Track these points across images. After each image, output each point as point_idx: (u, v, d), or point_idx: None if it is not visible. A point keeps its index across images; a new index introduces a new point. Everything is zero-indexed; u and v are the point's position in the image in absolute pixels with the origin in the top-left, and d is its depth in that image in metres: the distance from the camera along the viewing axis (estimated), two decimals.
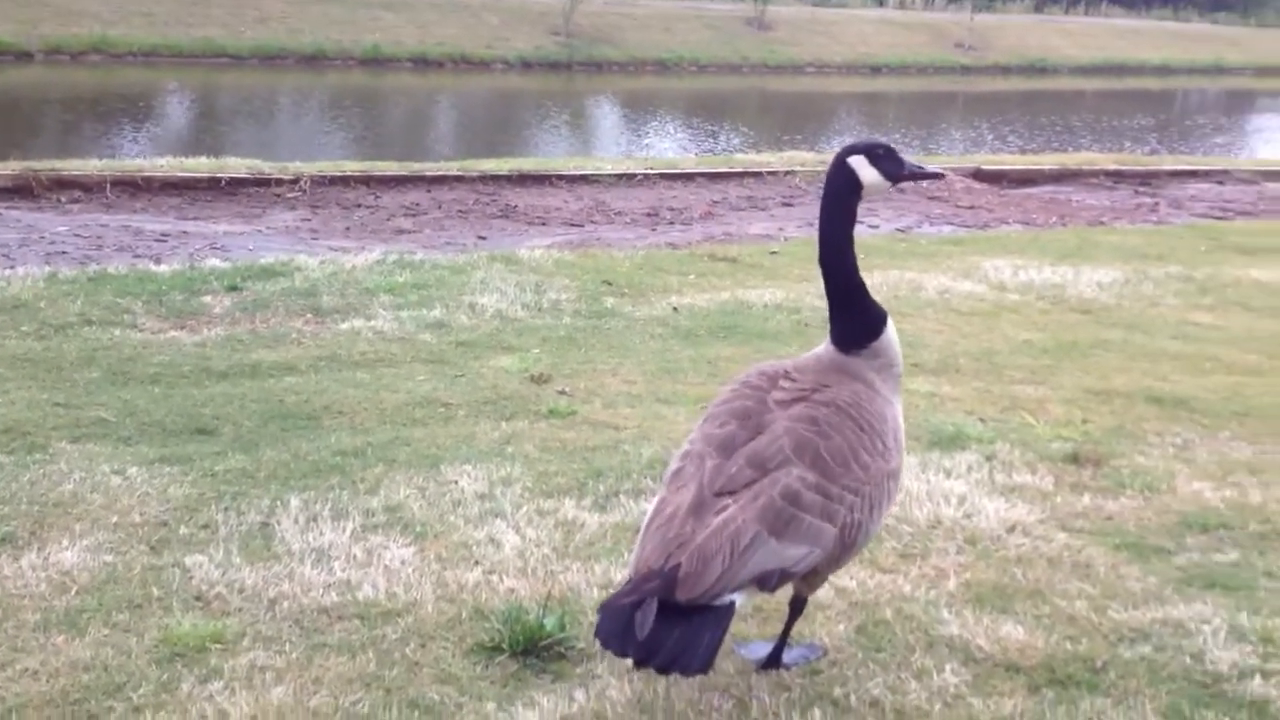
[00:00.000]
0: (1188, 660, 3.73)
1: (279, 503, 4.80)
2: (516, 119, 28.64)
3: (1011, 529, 4.70)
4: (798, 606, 3.67)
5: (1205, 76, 53.19)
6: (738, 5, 48.07)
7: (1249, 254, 11.14)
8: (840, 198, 3.59)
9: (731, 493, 3.26)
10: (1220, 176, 17.30)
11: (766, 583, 3.21)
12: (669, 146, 24.22)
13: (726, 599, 3.14)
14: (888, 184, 3.62)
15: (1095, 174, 16.51)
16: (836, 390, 3.50)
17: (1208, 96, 47.65)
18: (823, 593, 4.11)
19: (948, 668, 3.66)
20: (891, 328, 3.67)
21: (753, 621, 3.99)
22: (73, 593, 4.07)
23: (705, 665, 3.08)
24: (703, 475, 3.32)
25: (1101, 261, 10.29)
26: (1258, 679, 3.61)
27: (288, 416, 5.89)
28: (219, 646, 3.77)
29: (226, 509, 4.75)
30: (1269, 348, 7.82)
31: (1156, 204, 14.73)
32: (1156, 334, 8.08)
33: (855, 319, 3.62)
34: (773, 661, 3.68)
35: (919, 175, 3.68)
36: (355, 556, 4.39)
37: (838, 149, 3.75)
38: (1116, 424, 6.11)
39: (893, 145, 3.64)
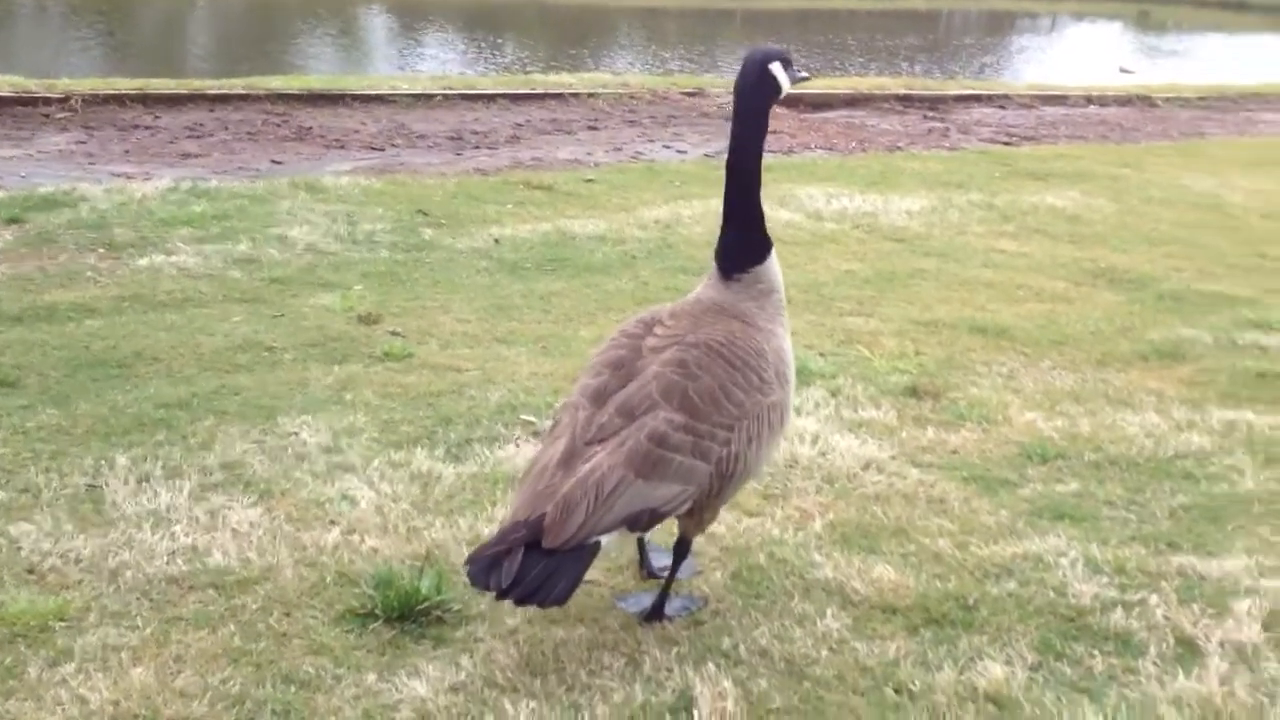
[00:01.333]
0: (1051, 594, 3.86)
1: (104, 462, 4.47)
2: (286, 29, 27.35)
3: (866, 466, 4.77)
4: (682, 549, 3.69)
5: None
6: None
7: (1040, 179, 11.59)
8: (762, 103, 3.64)
9: (601, 440, 3.33)
10: (1002, 101, 17.94)
11: (636, 523, 3.30)
12: (453, 59, 23.57)
13: (592, 541, 3.23)
14: (790, 86, 3.71)
15: (886, 98, 16.87)
16: (709, 330, 3.55)
17: (970, 17, 49.33)
18: (696, 539, 4.09)
19: (828, 612, 3.68)
20: (774, 257, 3.73)
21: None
22: None
23: (563, 597, 3.19)
24: (575, 426, 3.38)
25: (907, 189, 10.54)
26: (1119, 611, 3.77)
27: (96, 364, 5.48)
28: (63, 624, 3.50)
29: (47, 470, 4.40)
30: (1073, 275, 8.17)
31: (947, 129, 15.16)
32: (968, 262, 8.33)
33: (746, 237, 3.67)
34: (655, 613, 3.66)
35: (800, 80, 3.80)
36: (198, 519, 4.12)
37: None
38: (946, 355, 6.27)
39: (788, 53, 3.73)
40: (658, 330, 3.59)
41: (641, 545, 3.91)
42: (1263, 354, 6.69)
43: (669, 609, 3.68)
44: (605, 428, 3.35)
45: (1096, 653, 3.56)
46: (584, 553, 3.23)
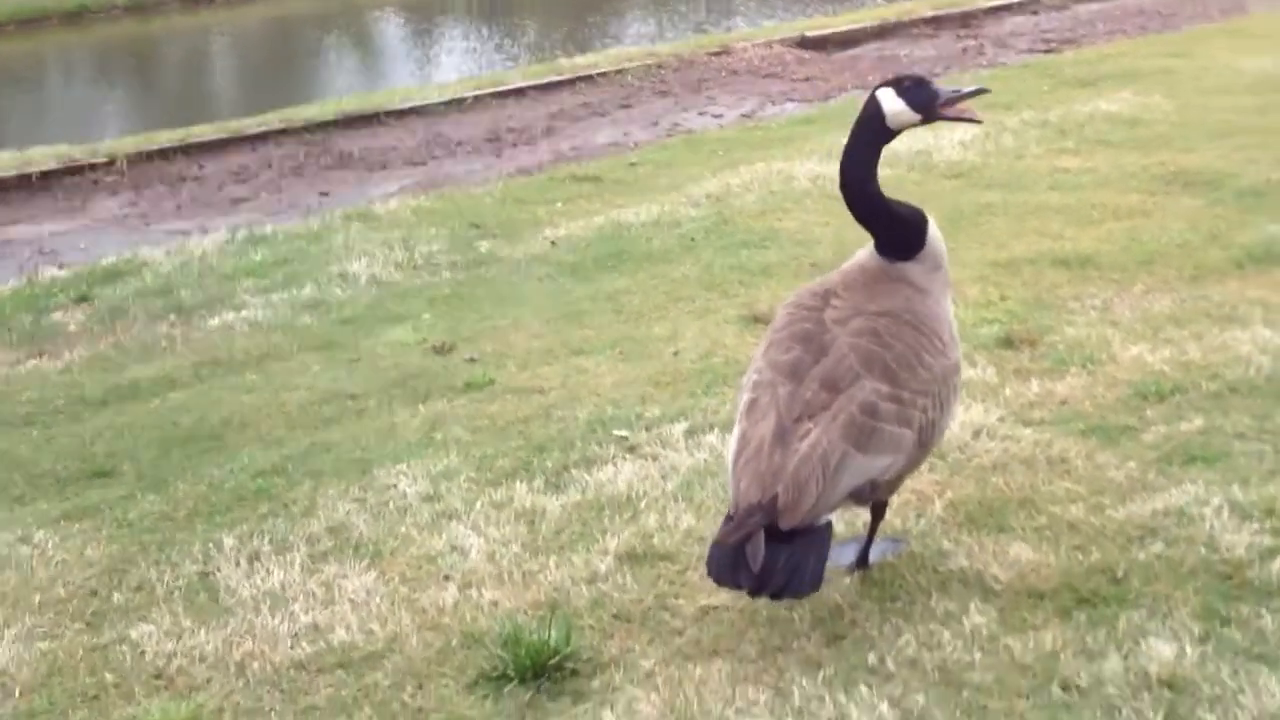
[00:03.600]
0: (1203, 551, 3.68)
1: (211, 545, 4.43)
2: (303, 49, 27.29)
3: (976, 434, 4.60)
4: (879, 511, 3.75)
5: None
6: None
7: (1090, 85, 11.24)
8: (866, 127, 3.60)
9: (810, 417, 3.37)
10: (1033, 6, 17.47)
11: (860, 496, 3.45)
12: (474, 52, 23.38)
13: (825, 518, 3.33)
14: (917, 116, 3.57)
15: (915, 23, 16.50)
16: (888, 299, 3.58)
17: None
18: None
19: (971, 607, 3.54)
20: (934, 229, 3.68)
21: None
22: (17, 695, 3.68)
23: (816, 585, 3.28)
24: (778, 403, 3.42)
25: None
26: (1278, 561, 3.58)
27: (188, 440, 5.46)
28: None
29: (157, 563, 4.36)
30: (1145, 184, 7.89)
31: (981, 45, 14.81)
32: (1034, 188, 8.07)
33: (895, 237, 3.64)
34: (861, 564, 3.78)
35: (956, 99, 3.61)
36: (314, 594, 4.06)
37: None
38: (1033, 295, 6.06)
39: (925, 76, 3.64)
40: (835, 302, 3.61)
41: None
42: None
43: (873, 555, 3.78)
44: (812, 403, 3.39)
45: (1264, 611, 3.37)
46: (823, 533, 3.32)
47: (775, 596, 3.29)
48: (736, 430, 3.50)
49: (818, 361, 3.47)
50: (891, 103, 3.55)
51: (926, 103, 3.56)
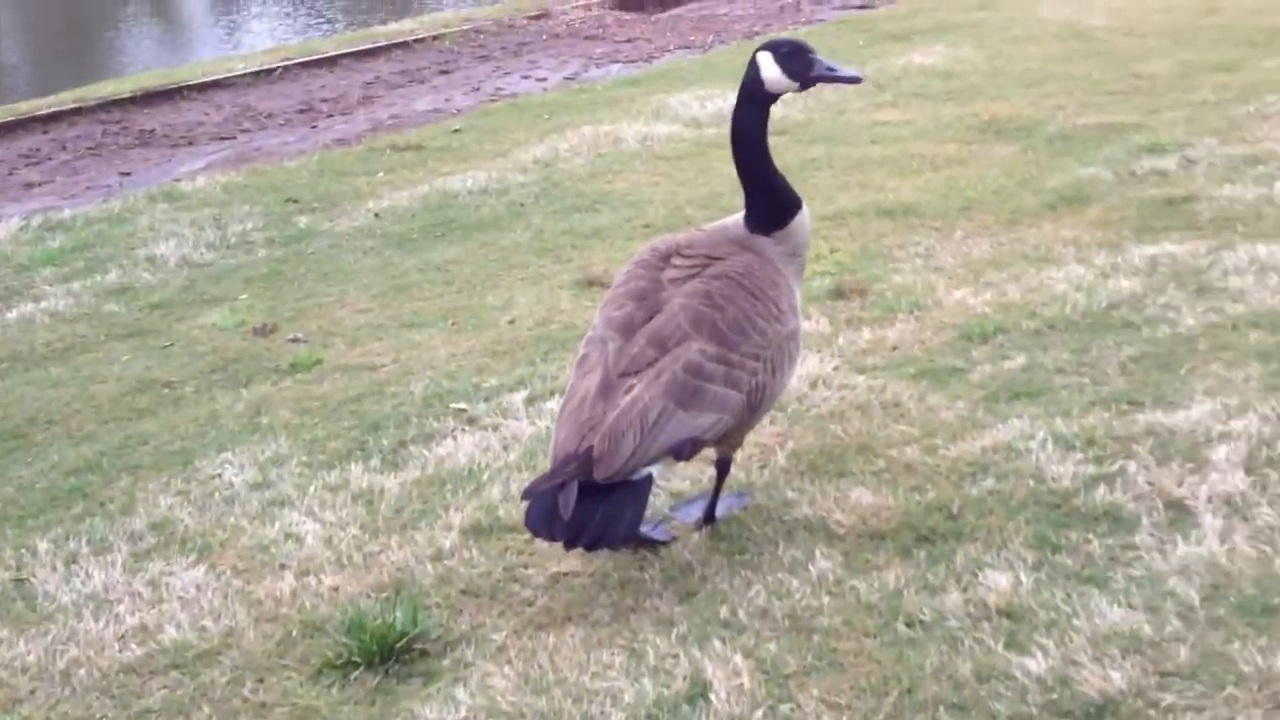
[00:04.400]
0: (1031, 483, 3.78)
1: (24, 550, 4.16)
2: (101, 22, 26.04)
3: (814, 384, 4.64)
4: (723, 467, 3.78)
5: None
6: None
7: (904, 39, 11.48)
8: (748, 90, 3.61)
9: (636, 372, 3.41)
10: None
11: (680, 452, 3.41)
12: (273, 28, 22.64)
13: (644, 472, 3.35)
14: (794, 84, 3.60)
15: None
16: (728, 263, 3.60)
17: None
18: (663, 500, 3.96)
19: (817, 553, 3.55)
20: (804, 215, 3.75)
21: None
22: None
23: (630, 537, 3.37)
24: (607, 358, 3.46)
25: None
26: (1102, 487, 3.69)
27: None
28: None
29: None
30: (960, 134, 8.08)
31: (799, 3, 14.97)
32: (856, 142, 8.20)
33: (766, 205, 3.70)
34: (708, 519, 3.79)
35: (829, 78, 3.64)
36: (140, 594, 3.85)
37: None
38: (860, 246, 6.15)
39: (803, 43, 3.61)
40: (675, 261, 3.65)
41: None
42: (1163, 179, 6.68)
43: (719, 510, 3.80)
44: (638, 359, 3.43)
45: (1091, 536, 3.48)
46: (640, 487, 3.35)
47: (589, 548, 3.31)
48: (568, 384, 3.56)
49: (650, 319, 3.51)
50: (769, 68, 3.57)
51: (802, 70, 3.58)
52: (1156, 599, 3.22)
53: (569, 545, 3.31)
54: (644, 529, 3.67)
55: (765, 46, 3.63)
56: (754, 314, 3.52)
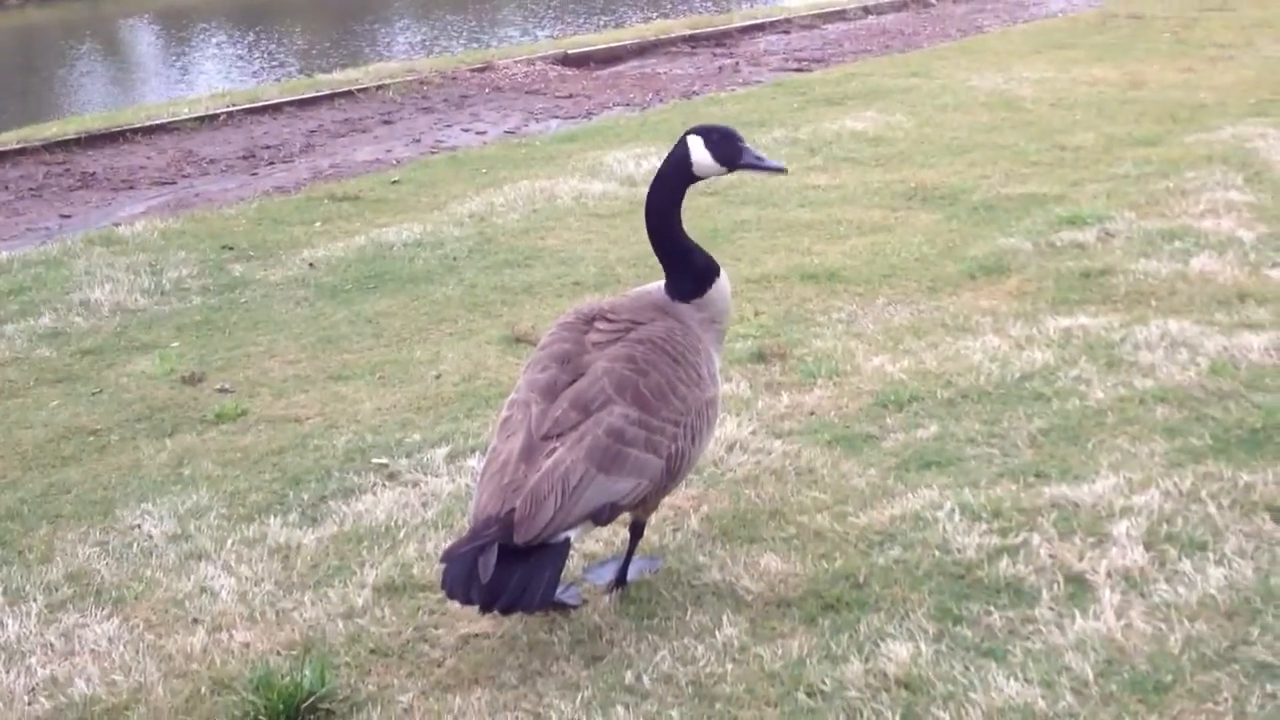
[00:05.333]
0: (936, 554, 3.87)
1: None
2: (50, 58, 25.91)
3: (730, 448, 4.73)
4: (637, 531, 3.85)
5: None
6: None
7: (837, 104, 11.71)
8: (673, 169, 3.74)
9: (559, 435, 3.45)
10: (785, 26, 18.13)
11: (599, 517, 3.46)
12: (233, 64, 22.66)
13: (561, 536, 3.38)
14: (721, 168, 3.73)
15: (673, 41, 16.87)
16: (650, 327, 3.69)
17: None
18: (575, 563, 4.01)
19: (724, 619, 3.63)
20: (723, 282, 3.85)
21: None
22: None
23: (546, 601, 3.37)
24: (530, 421, 3.50)
25: None
26: (1005, 559, 3.80)
27: None
28: None
29: None
30: (887, 200, 8.26)
31: (737, 64, 15.23)
32: (785, 205, 8.35)
33: (683, 275, 3.80)
34: (619, 582, 3.84)
35: (756, 167, 3.78)
36: (52, 645, 3.85)
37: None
38: (784, 310, 6.27)
39: (733, 130, 3.75)
40: (599, 325, 3.72)
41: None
42: (1081, 252, 6.87)
43: (631, 573, 3.85)
44: (561, 421, 3.46)
45: (992, 608, 3.58)
46: (557, 552, 3.38)
47: (505, 611, 3.33)
48: (490, 445, 3.59)
49: (573, 381, 3.56)
50: (699, 152, 3.70)
51: (731, 157, 3.72)
52: (1052, 674, 3.30)
53: (485, 609, 3.32)
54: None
55: (696, 130, 3.75)
56: (675, 379, 3.58)
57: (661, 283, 3.87)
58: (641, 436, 3.47)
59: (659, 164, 9.33)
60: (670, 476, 3.59)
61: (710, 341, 3.83)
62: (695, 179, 3.75)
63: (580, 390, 3.52)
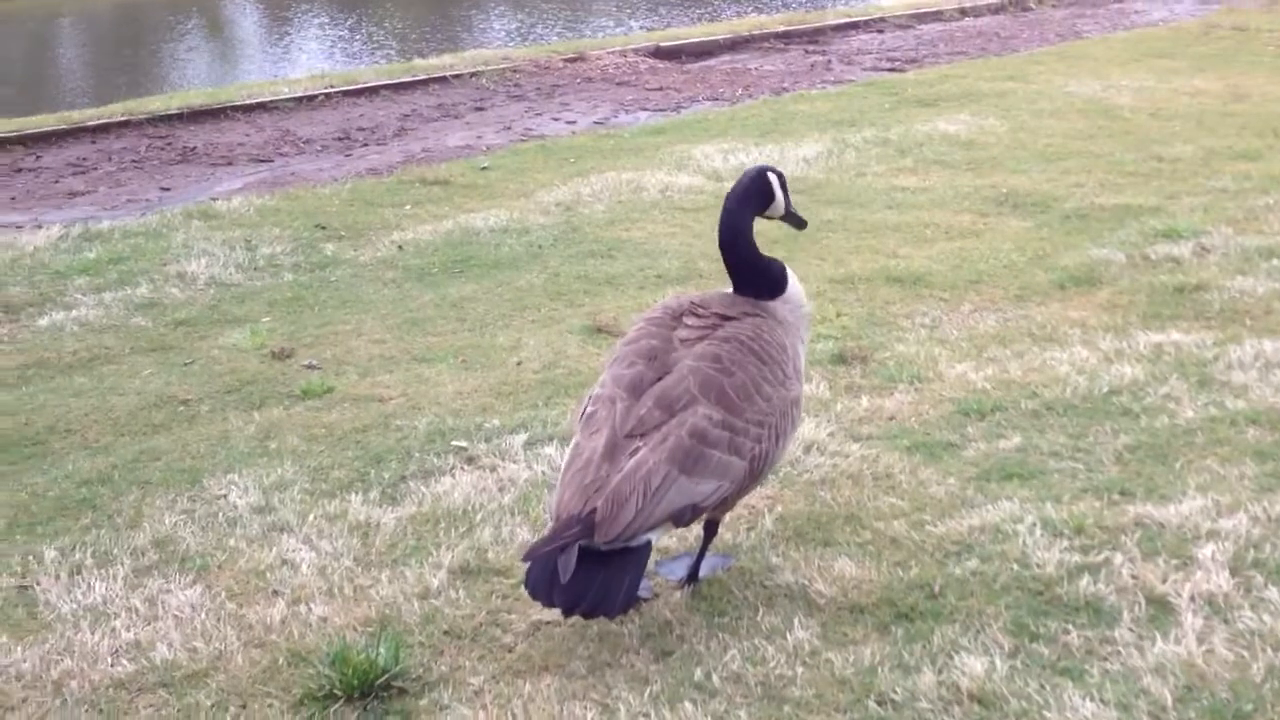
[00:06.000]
0: (1015, 568, 3.83)
1: (31, 557, 4.27)
2: (156, 35, 26.42)
3: (808, 449, 4.71)
4: (711, 529, 3.84)
5: None
6: None
7: (930, 105, 11.59)
8: (750, 199, 3.89)
9: (642, 434, 3.44)
10: (879, 25, 17.94)
11: (680, 519, 3.44)
12: (329, 51, 22.95)
13: (642, 538, 3.37)
14: (781, 210, 3.99)
15: (766, 37, 16.78)
16: (738, 325, 3.69)
17: None
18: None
19: (795, 622, 3.62)
20: (793, 276, 3.94)
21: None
22: None
23: (627, 606, 3.38)
24: (614, 418, 3.48)
25: (801, 134, 10.47)
26: (1085, 577, 3.74)
27: (10, 446, 5.26)
28: None
29: None
30: (977, 205, 8.17)
31: (829, 62, 15.12)
32: (872, 205, 8.29)
33: (760, 287, 3.87)
34: (691, 578, 3.84)
35: (797, 217, 4.13)
36: (137, 609, 3.95)
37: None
38: (867, 312, 6.23)
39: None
40: (687, 320, 3.73)
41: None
42: (1176, 266, 6.74)
43: (703, 570, 3.85)
44: (645, 420, 3.46)
45: (1071, 627, 3.53)
46: (638, 555, 3.38)
47: (587, 615, 3.36)
48: (572, 440, 3.61)
49: (659, 379, 3.55)
50: (779, 191, 3.93)
51: (786, 203, 4.00)
52: (1130, 697, 3.25)
53: (567, 613, 3.35)
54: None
55: (771, 170, 3.95)
56: (761, 379, 3.58)
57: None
58: (725, 438, 3.46)
59: (745, 159, 9.38)
60: (752, 478, 3.59)
61: (797, 333, 3.87)
62: (763, 215, 3.98)
63: (665, 389, 3.52)
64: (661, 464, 3.37)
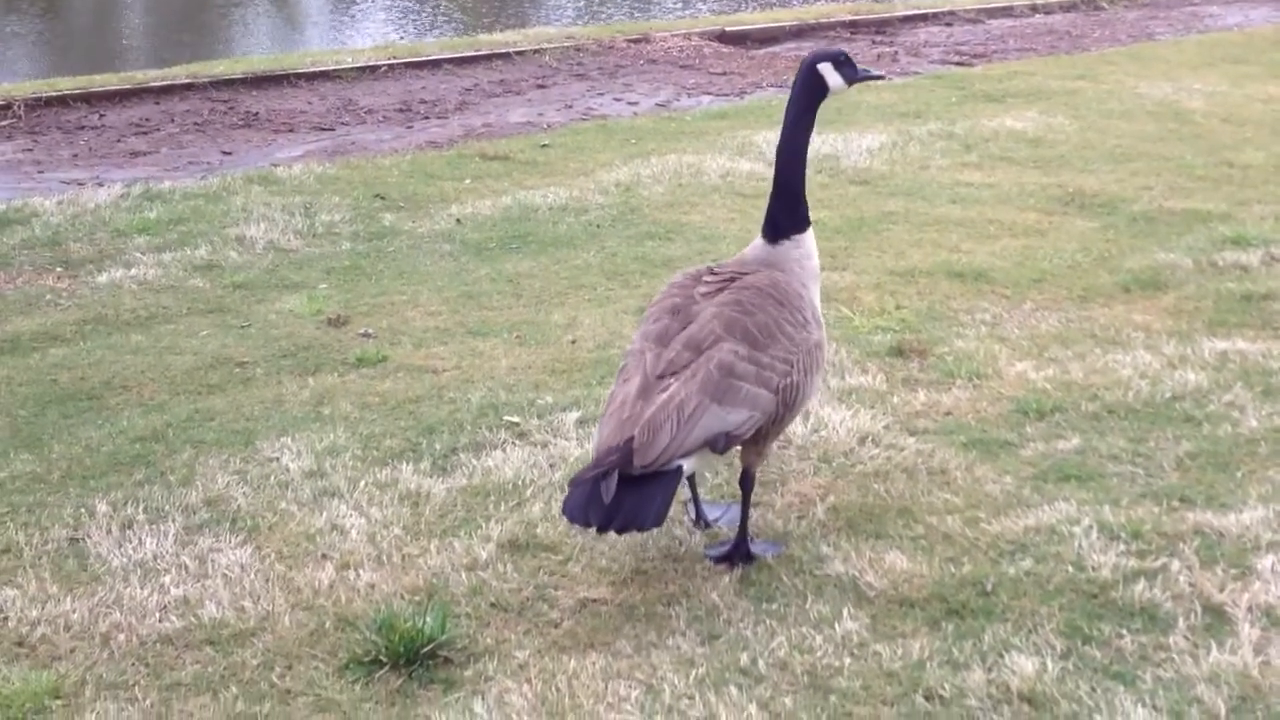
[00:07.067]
0: (1070, 570, 3.77)
1: (84, 510, 4.32)
2: (212, 3, 26.59)
3: (862, 440, 4.67)
4: (747, 485, 3.94)
5: None
6: None
7: (997, 101, 11.44)
8: (810, 102, 4.09)
9: (673, 374, 3.67)
10: (948, 18, 17.71)
11: (715, 445, 3.63)
12: (398, 21, 22.99)
13: (675, 463, 3.54)
14: (846, 86, 4.16)
15: (833, 26, 16.62)
16: (754, 276, 3.93)
17: None
18: (699, 535, 4.02)
19: (844, 612, 3.59)
20: (811, 234, 4.12)
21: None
22: None
23: (658, 520, 3.52)
24: (645, 364, 3.72)
25: (865, 125, 10.37)
26: (1141, 582, 3.68)
27: (66, 399, 5.32)
28: (59, 702, 3.36)
29: (26, 525, 4.24)
30: (1042, 203, 8.05)
31: (896, 53, 14.95)
32: (935, 199, 8.20)
33: (792, 211, 4.05)
34: (745, 557, 3.89)
35: (868, 77, 4.28)
36: (186, 566, 3.98)
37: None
38: (926, 306, 6.16)
39: (846, 54, 4.18)
40: (706, 278, 3.97)
41: (693, 488, 4.16)
42: (1244, 274, 6.61)
43: (755, 549, 3.92)
44: (675, 362, 3.68)
45: (1125, 631, 3.47)
46: (670, 477, 3.54)
47: (620, 530, 3.50)
48: (609, 392, 3.80)
49: (684, 329, 3.79)
50: (833, 77, 4.10)
51: (850, 76, 4.15)
52: (1183, 704, 3.20)
53: (601, 530, 3.49)
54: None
55: (822, 58, 4.13)
56: (782, 320, 3.81)
57: (756, 240, 4.11)
58: (752, 371, 3.67)
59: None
60: (786, 408, 3.77)
61: (808, 278, 4.05)
62: (824, 98, 4.13)
63: (691, 334, 3.74)
64: (694, 394, 3.58)
